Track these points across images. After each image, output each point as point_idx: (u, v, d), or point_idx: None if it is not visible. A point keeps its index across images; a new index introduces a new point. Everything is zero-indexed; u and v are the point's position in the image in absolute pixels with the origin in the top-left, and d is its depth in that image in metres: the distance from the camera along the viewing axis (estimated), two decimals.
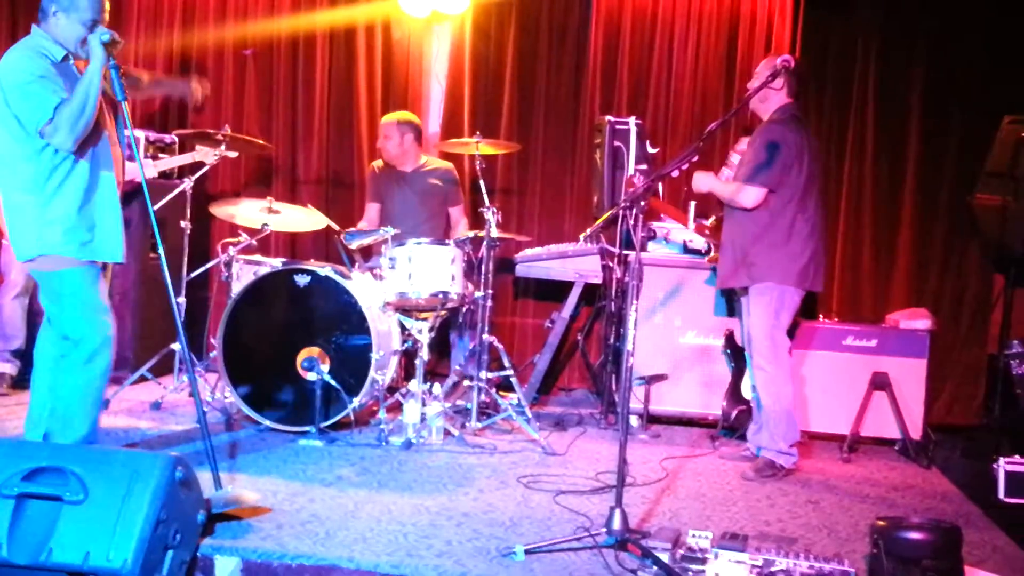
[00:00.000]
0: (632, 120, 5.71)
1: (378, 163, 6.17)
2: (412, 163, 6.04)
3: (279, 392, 4.94)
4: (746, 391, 5.18)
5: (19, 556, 2.91)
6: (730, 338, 5.34)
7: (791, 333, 4.73)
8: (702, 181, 4.78)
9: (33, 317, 5.36)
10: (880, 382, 5.32)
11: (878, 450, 5.36)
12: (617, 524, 3.44)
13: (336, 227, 5.47)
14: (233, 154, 5.67)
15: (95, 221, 3.89)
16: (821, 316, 5.79)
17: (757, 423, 4.78)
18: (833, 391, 5.40)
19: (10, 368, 5.49)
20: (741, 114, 5.34)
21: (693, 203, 5.26)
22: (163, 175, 5.88)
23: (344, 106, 6.73)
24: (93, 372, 3.92)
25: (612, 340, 5.59)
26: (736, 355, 5.26)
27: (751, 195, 4.55)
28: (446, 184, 6.08)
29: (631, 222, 3.84)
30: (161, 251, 3.76)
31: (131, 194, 4.94)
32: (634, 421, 5.47)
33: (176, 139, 6.07)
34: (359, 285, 5.02)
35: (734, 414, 5.23)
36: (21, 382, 5.23)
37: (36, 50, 3.80)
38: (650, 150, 5.75)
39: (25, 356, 5.09)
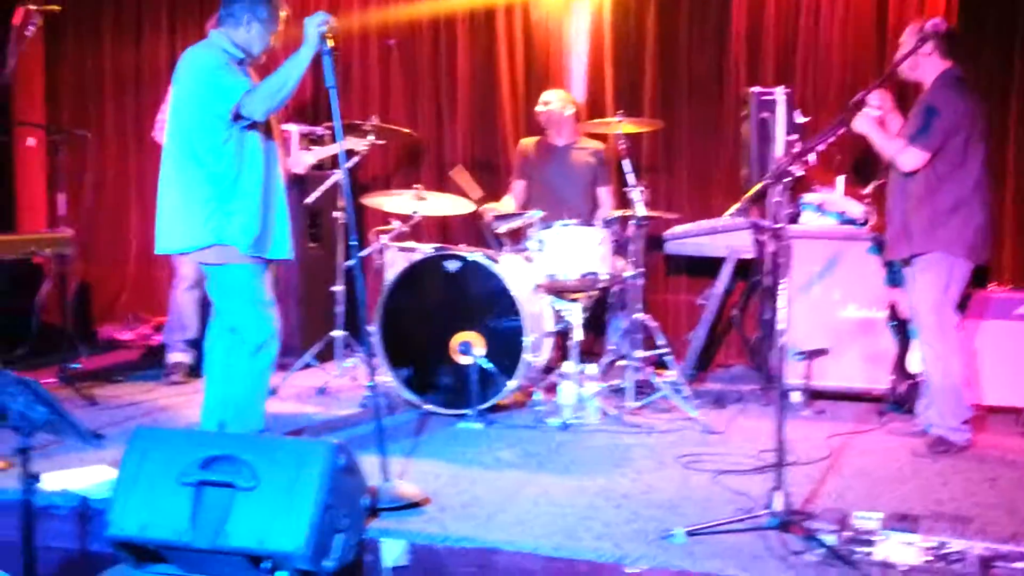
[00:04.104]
0: (780, 90, 5.56)
1: (528, 140, 6.22)
2: (567, 137, 6.08)
3: (436, 376, 5.02)
4: (913, 365, 5.01)
5: (201, 540, 3.05)
6: (894, 310, 5.18)
7: (962, 305, 4.55)
8: (864, 123, 4.56)
9: (206, 307, 5.53)
10: None
11: None
12: (779, 505, 3.37)
13: (479, 193, 5.48)
14: (382, 142, 5.79)
15: (269, 217, 4.03)
16: (992, 284, 5.54)
17: (927, 397, 4.62)
18: (1008, 362, 5.16)
19: (185, 357, 5.72)
20: (891, 82, 5.13)
21: (842, 177, 5.08)
22: (317, 166, 6.05)
23: (486, 90, 6.78)
24: (260, 365, 4.08)
25: (769, 315, 5.48)
26: (902, 327, 5.09)
27: (910, 157, 4.39)
28: (597, 162, 6.09)
29: (776, 198, 3.74)
30: (355, 245, 3.84)
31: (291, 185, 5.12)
32: (796, 397, 5.35)
33: (327, 131, 6.24)
34: (508, 269, 5.05)
35: (902, 388, 5.08)
36: (196, 370, 5.46)
37: (219, 48, 3.99)
38: (799, 120, 5.59)
39: (199, 345, 5.33)
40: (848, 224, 5.44)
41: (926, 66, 4.46)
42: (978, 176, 4.41)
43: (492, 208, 5.79)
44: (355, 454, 3.28)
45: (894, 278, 5.22)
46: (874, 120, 4.57)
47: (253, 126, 3.97)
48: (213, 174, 3.93)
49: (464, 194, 5.75)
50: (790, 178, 3.81)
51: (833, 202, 5.46)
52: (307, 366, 5.69)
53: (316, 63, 3.79)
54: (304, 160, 5.78)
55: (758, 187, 4.42)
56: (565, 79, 6.68)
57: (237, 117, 3.88)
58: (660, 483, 3.96)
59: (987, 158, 4.47)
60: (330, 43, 3.73)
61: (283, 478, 3.09)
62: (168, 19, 7.37)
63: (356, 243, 3.86)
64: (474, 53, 6.81)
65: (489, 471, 4.09)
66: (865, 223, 5.38)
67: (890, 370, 5.15)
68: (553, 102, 6.06)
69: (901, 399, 5.08)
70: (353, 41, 6.97)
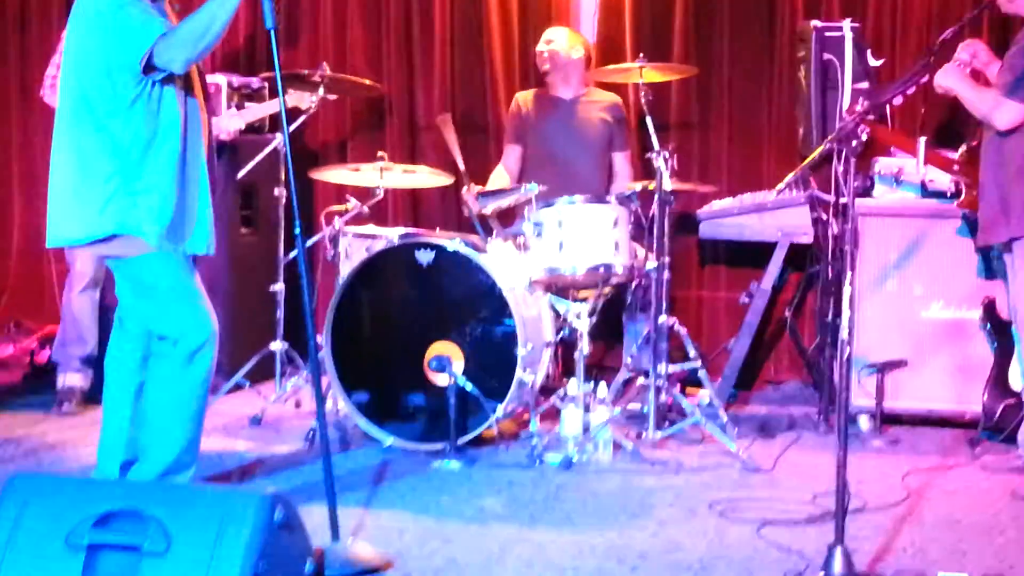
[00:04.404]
0: (847, 24, 5.57)
1: (525, 94, 6.24)
2: (575, 89, 6.11)
3: (404, 400, 5.04)
4: (1015, 379, 5.02)
5: None
6: (991, 309, 5.17)
7: None
8: (948, 76, 4.58)
9: (105, 314, 5.53)
10: None
11: None
12: (839, 566, 3.38)
13: (461, 167, 5.51)
14: (333, 97, 5.80)
15: (186, 199, 4.03)
16: None
17: None
18: None
19: (80, 380, 5.68)
20: (989, 15, 5.14)
21: (924, 139, 5.08)
22: (251, 128, 6.04)
23: (471, 28, 6.77)
24: (195, 375, 4.11)
25: (831, 316, 5.49)
26: (1000, 332, 5.10)
27: (1007, 113, 4.41)
28: (614, 120, 6.11)
29: (842, 167, 3.76)
30: (299, 231, 3.80)
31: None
32: (864, 423, 5.36)
33: (265, 84, 6.24)
34: (497, 260, 5.05)
35: (1000, 410, 5.08)
36: (95, 397, 5.45)
37: None
38: (873, 63, 5.62)
39: (98, 364, 5.34)
40: (933, 198, 5.44)
41: None
42: None
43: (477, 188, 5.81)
44: (296, 506, 3.29)
45: (991, 268, 5.22)
46: (961, 71, 4.57)
47: (169, 80, 3.96)
48: (117, 144, 3.93)
49: (448, 153, 5.73)
50: (859, 141, 3.82)
51: (914, 170, 5.45)
52: (237, 388, 5.69)
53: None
54: (233, 123, 5.77)
55: (819, 151, 4.44)
56: (571, 14, 6.67)
57: (149, 69, 3.87)
58: (688, 538, 3.97)
59: None
60: None
61: (202, 539, 3.08)
62: None
63: (299, 224, 3.82)
64: None
65: (469, 525, 4.08)
66: (955, 196, 5.36)
67: (985, 387, 5.14)
68: (557, 41, 6.07)
69: (999, 424, 5.07)
70: None
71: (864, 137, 3.75)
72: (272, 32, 3.73)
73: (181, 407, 4.12)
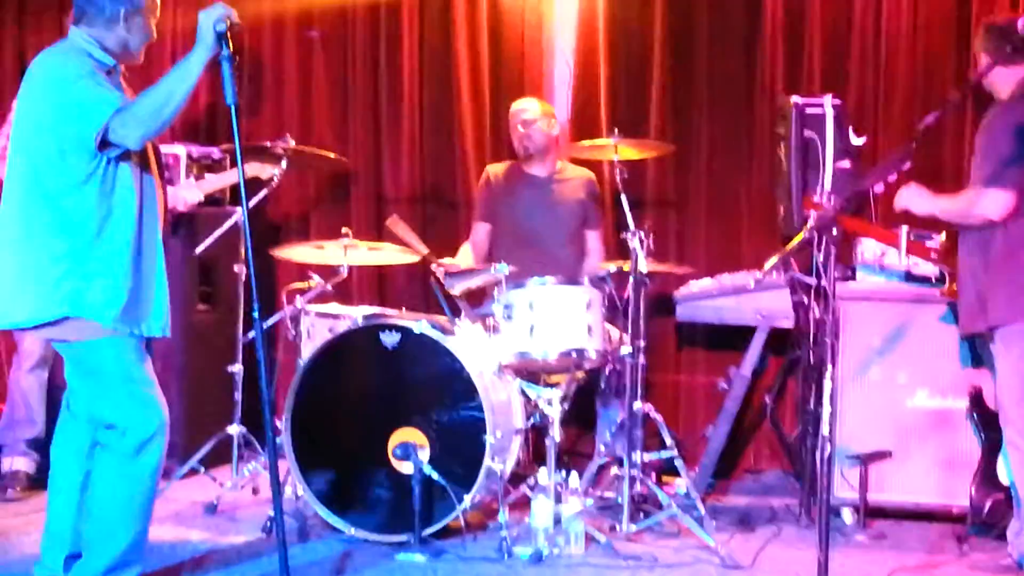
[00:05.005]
0: (828, 100, 5.61)
1: (496, 168, 6.25)
2: (550, 165, 6.13)
3: (366, 489, 4.98)
4: (1003, 472, 4.98)
5: None
6: (978, 399, 5.17)
7: None
8: (912, 198, 4.67)
9: (54, 394, 5.51)
10: None
11: None
12: None
13: (424, 250, 5.50)
14: (298, 170, 5.81)
15: (141, 280, 3.99)
16: None
17: (1019, 519, 4.60)
18: None
19: (25, 464, 5.63)
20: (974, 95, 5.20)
21: (905, 227, 5.11)
22: (211, 200, 6.02)
23: (441, 99, 6.82)
24: (143, 468, 4.03)
25: (812, 404, 5.47)
26: (988, 423, 5.07)
27: (997, 202, 4.42)
28: (588, 198, 6.13)
29: (821, 257, 3.76)
30: (257, 311, 3.80)
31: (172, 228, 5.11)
32: (848, 516, 5.34)
33: (227, 154, 6.25)
34: (466, 343, 5.04)
35: (988, 504, 5.05)
36: (41, 481, 5.36)
37: (81, 51, 3.96)
38: (855, 141, 5.64)
39: (45, 447, 5.26)
40: (917, 283, 5.46)
41: (1003, 75, 4.55)
42: None
43: (446, 263, 5.78)
44: None
45: (977, 356, 5.23)
46: (918, 188, 4.66)
47: (125, 156, 3.93)
48: (69, 222, 3.89)
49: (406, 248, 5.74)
50: (839, 229, 3.83)
51: (897, 257, 5.48)
52: (192, 473, 5.63)
53: (215, 66, 3.78)
54: (192, 194, 5.75)
55: (797, 240, 4.45)
56: (544, 87, 6.71)
57: (104, 145, 3.84)
58: None
59: None
60: (230, 46, 3.72)
61: None
62: (16, 11, 7.20)
63: (258, 306, 3.80)
64: (424, 51, 6.84)
65: None
66: (940, 281, 5.39)
67: (973, 480, 5.12)
68: (534, 115, 6.07)
69: (988, 519, 5.04)
70: (264, 33, 6.98)
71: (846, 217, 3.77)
72: (232, 108, 3.73)
73: (127, 502, 4.03)
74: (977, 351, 5.23)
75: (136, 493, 4.04)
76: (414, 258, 5.74)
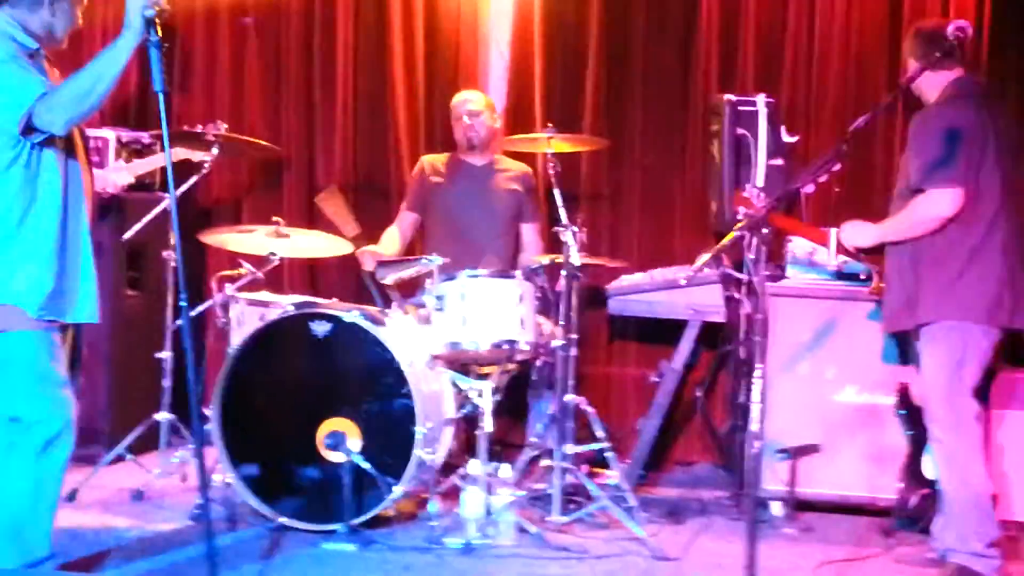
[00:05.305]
0: (761, 99, 5.69)
1: (433, 158, 6.26)
2: (487, 156, 6.16)
3: (295, 477, 4.98)
4: (929, 468, 5.05)
5: None
6: (905, 394, 5.22)
7: (984, 390, 4.66)
8: (856, 235, 4.75)
9: None
10: None
11: None
12: None
13: (354, 231, 5.49)
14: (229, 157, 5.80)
15: (68, 266, 3.96)
16: None
17: (943, 513, 4.71)
18: None
19: None
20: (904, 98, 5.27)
21: (835, 231, 5.18)
22: (140, 184, 5.96)
23: (375, 88, 6.83)
24: (49, 466, 3.97)
25: (743, 397, 5.54)
26: (914, 419, 5.12)
27: (945, 200, 4.44)
28: (524, 191, 6.16)
29: (752, 255, 3.82)
30: (184, 298, 3.84)
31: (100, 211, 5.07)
32: (777, 509, 5.41)
33: (156, 140, 6.20)
34: (397, 333, 5.06)
35: (914, 499, 5.11)
36: None
37: (4, 36, 3.90)
38: (787, 139, 5.71)
39: None
40: (846, 280, 5.54)
41: (931, 80, 4.63)
42: (1003, 219, 4.53)
43: (373, 251, 5.80)
44: None
45: (902, 353, 5.30)
46: (863, 225, 4.73)
47: (50, 142, 3.90)
48: None
49: (336, 227, 5.75)
50: (769, 228, 3.89)
51: (826, 256, 5.55)
52: (118, 460, 5.61)
53: (145, 51, 3.74)
54: (121, 177, 5.71)
55: (728, 239, 4.49)
56: (479, 79, 6.74)
57: (28, 131, 3.81)
58: None
59: (1008, 187, 4.58)
60: (158, 32, 3.70)
61: None
62: None
63: (185, 296, 3.84)
64: (359, 40, 6.84)
65: None
66: (868, 279, 5.47)
67: (899, 475, 5.18)
68: (479, 107, 6.10)
69: (913, 513, 5.11)
70: (196, 18, 6.95)
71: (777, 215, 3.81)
72: (161, 95, 3.72)
73: (34, 499, 3.96)
74: (903, 348, 5.32)
75: (42, 493, 3.98)
76: (347, 248, 5.77)
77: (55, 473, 4.00)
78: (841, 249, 5.15)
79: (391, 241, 6.13)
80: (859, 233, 4.77)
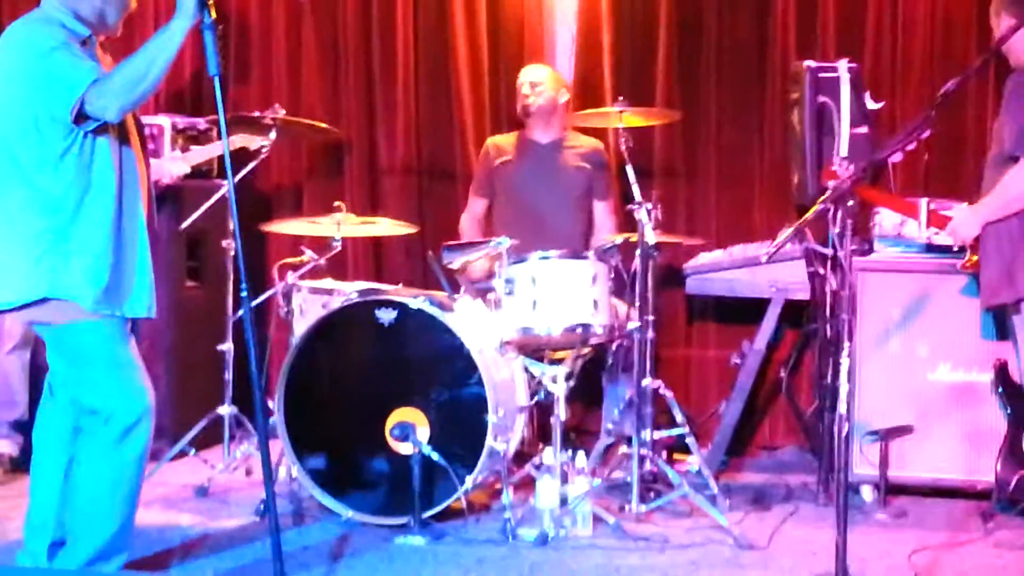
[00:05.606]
0: (843, 64, 5.55)
1: (499, 139, 6.24)
2: (555, 132, 6.11)
3: (363, 470, 4.97)
4: None
5: None
6: (1003, 372, 5.15)
7: None
8: (966, 228, 4.74)
9: (37, 374, 5.49)
10: None
11: None
12: None
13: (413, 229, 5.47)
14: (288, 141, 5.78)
15: (123, 258, 3.96)
16: None
17: None
18: None
19: (9, 446, 5.64)
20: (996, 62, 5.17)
21: (925, 201, 5.08)
22: (197, 172, 5.97)
23: (437, 67, 6.77)
24: (128, 454, 4.01)
25: (829, 378, 5.45)
26: (1014, 397, 5.08)
27: None
28: (595, 168, 6.11)
29: (836, 229, 3.72)
30: (246, 287, 3.81)
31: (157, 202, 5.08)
32: (867, 494, 5.34)
33: (212, 126, 6.21)
34: (466, 319, 5.02)
35: (1014, 481, 5.03)
36: (24, 463, 5.34)
37: (55, 21, 3.91)
38: (872, 105, 5.59)
39: (28, 429, 5.24)
40: (938, 253, 5.41)
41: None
42: None
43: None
44: None
45: (1000, 328, 5.21)
46: (967, 210, 4.73)
47: (103, 130, 3.89)
48: (46, 200, 3.85)
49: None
50: (855, 200, 3.81)
51: (916, 229, 5.46)
52: (181, 455, 5.63)
53: (198, 33, 3.74)
54: (177, 167, 5.70)
55: (812, 212, 4.40)
56: (546, 52, 6.68)
57: (81, 118, 3.80)
58: None
59: None
60: (212, 14, 3.69)
61: None
62: None
63: (246, 285, 3.80)
64: (419, 17, 6.77)
65: None
66: (961, 251, 5.35)
67: (998, 456, 5.10)
68: (544, 83, 6.05)
69: (1013, 496, 5.03)
70: (251, 0, 6.93)
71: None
72: (216, 79, 3.71)
73: (112, 489, 4.00)
74: (1001, 323, 5.23)
75: (121, 480, 4.02)
76: (411, 230, 5.78)
77: (134, 463, 4.03)
78: (932, 221, 5.04)
79: (467, 228, 6.18)
80: (966, 226, 4.74)
